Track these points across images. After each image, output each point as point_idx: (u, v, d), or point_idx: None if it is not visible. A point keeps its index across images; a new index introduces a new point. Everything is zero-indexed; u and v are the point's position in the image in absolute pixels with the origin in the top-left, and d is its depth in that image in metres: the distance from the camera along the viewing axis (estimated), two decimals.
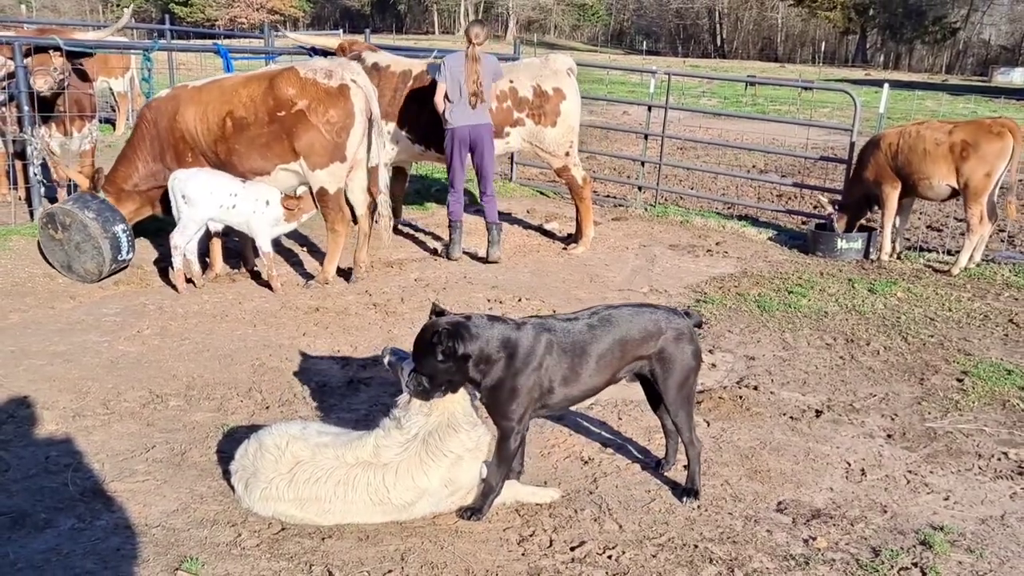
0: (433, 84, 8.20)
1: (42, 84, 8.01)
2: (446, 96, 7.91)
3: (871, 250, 9.02)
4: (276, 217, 7.10)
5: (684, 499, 4.26)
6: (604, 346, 4.00)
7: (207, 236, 7.36)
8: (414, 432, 3.89)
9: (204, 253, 7.51)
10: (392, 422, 3.98)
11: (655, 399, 4.34)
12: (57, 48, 8.07)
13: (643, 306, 4.32)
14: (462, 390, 3.95)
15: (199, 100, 7.14)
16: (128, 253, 7.19)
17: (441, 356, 3.72)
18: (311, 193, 7.20)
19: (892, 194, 8.76)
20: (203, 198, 6.83)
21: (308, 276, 7.64)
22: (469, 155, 8.17)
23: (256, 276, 7.55)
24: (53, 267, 7.22)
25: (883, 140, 8.80)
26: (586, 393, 4.13)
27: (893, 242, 9.11)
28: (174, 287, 7.06)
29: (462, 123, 7.97)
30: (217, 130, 7.06)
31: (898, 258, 9.03)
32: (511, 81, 8.57)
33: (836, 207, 9.38)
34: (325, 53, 9.03)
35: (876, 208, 9.09)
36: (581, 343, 3.97)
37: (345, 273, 7.68)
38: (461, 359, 3.75)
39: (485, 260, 8.32)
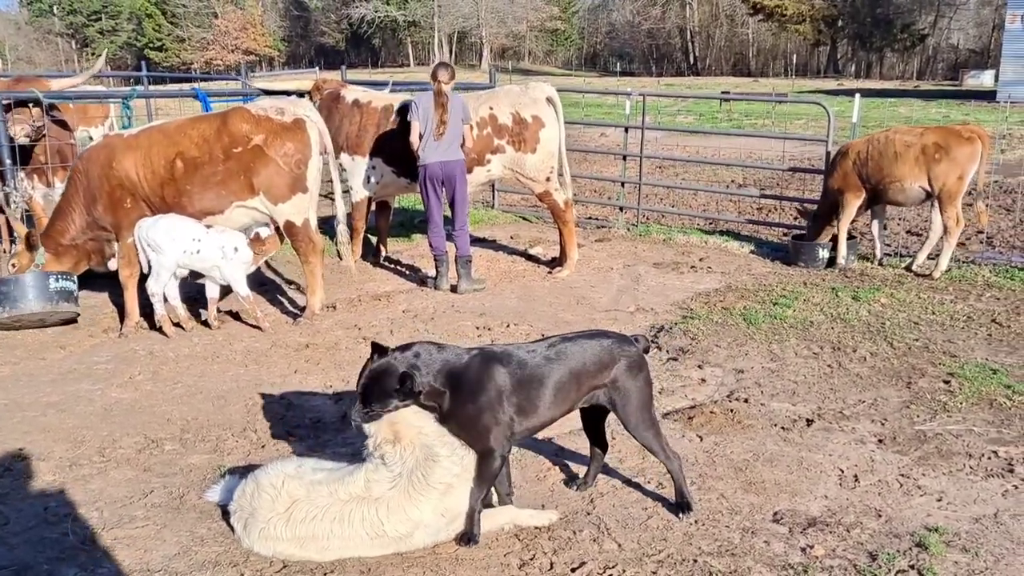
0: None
1: (19, 131, 8.06)
2: (420, 135, 8.03)
3: (837, 258, 9.13)
4: (246, 261, 7.11)
5: (680, 515, 4.29)
6: (561, 377, 4.04)
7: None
8: (398, 470, 3.91)
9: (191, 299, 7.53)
10: (377, 459, 4.00)
11: (590, 422, 4.46)
12: (36, 101, 8.12)
13: (595, 334, 4.31)
14: (427, 416, 3.99)
15: (137, 146, 7.11)
16: (74, 283, 7.22)
17: (392, 406, 3.89)
18: (276, 230, 7.25)
19: (853, 202, 8.93)
20: (167, 244, 6.83)
21: (295, 314, 7.67)
22: (443, 190, 8.25)
23: (239, 316, 7.56)
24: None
25: (851, 149, 8.98)
26: (545, 424, 4.15)
27: (873, 248, 9.29)
28: (163, 332, 7.08)
29: (433, 160, 8.06)
30: (164, 172, 7.03)
31: (879, 264, 9.16)
32: (491, 108, 8.68)
33: (810, 218, 9.54)
34: (270, 93, 9.06)
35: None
36: (539, 376, 4.00)
37: (331, 306, 7.76)
38: (406, 404, 3.91)
39: (455, 291, 8.39)
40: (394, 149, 8.68)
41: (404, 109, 8.52)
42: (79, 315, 7.25)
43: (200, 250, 6.91)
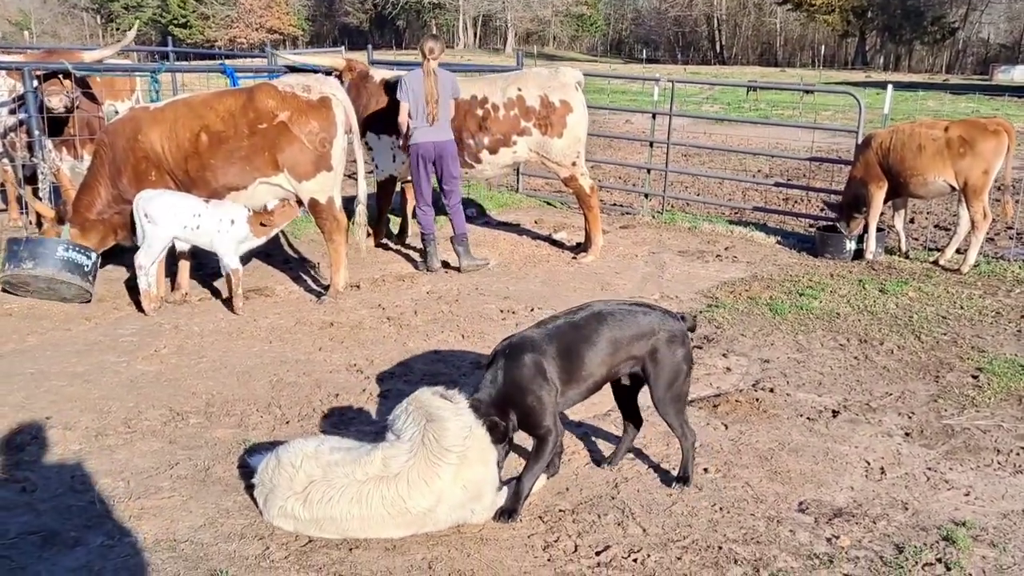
0: None
1: (57, 103, 8.08)
2: (409, 114, 8.03)
3: (864, 249, 9.07)
4: (242, 236, 6.98)
5: (675, 485, 4.42)
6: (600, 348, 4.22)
7: (173, 257, 7.31)
8: (409, 438, 3.91)
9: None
10: (393, 435, 4.01)
11: (626, 396, 4.60)
12: (66, 72, 8.15)
13: (637, 306, 4.46)
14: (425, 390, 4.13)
15: (162, 119, 7.09)
16: (88, 258, 7.09)
17: None
18: (291, 204, 7.18)
19: (877, 193, 8.82)
20: (166, 218, 6.78)
21: (319, 292, 7.67)
22: (434, 169, 8.26)
23: (263, 293, 7.57)
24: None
25: (874, 139, 8.89)
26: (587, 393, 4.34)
27: (898, 241, 9.22)
28: (141, 309, 7.01)
29: (424, 139, 8.07)
30: (189, 146, 7.02)
31: (906, 258, 9.08)
32: (519, 90, 8.63)
33: (836, 209, 9.46)
34: (294, 70, 8.95)
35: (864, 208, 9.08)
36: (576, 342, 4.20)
37: (355, 285, 7.76)
38: None
39: (459, 270, 8.41)
40: None
41: (391, 87, 8.50)
42: (91, 293, 7.16)
43: (200, 225, 6.86)
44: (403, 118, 8.06)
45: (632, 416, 4.66)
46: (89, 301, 7.20)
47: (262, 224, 7.03)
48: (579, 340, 4.16)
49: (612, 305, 4.39)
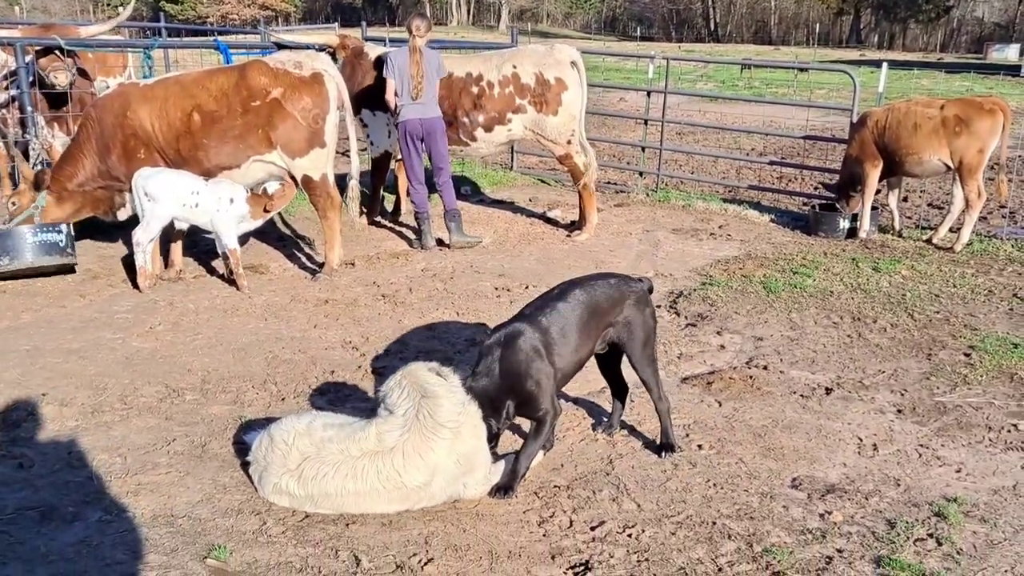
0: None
1: (64, 79, 8.03)
2: (396, 92, 8.04)
3: (857, 228, 9.09)
4: (240, 215, 6.97)
5: (663, 454, 4.52)
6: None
7: (167, 236, 7.27)
8: (403, 413, 3.91)
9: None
10: (386, 410, 4.01)
11: (608, 364, 4.70)
12: (59, 48, 8.08)
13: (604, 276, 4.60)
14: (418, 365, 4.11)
15: (153, 96, 7.04)
16: (59, 233, 7.07)
17: None
18: (289, 185, 7.16)
19: (872, 172, 8.84)
20: (166, 196, 6.75)
21: (313, 270, 7.66)
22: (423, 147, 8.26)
23: (257, 270, 7.56)
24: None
25: (870, 118, 8.88)
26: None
27: (892, 220, 9.25)
28: (136, 285, 7.01)
29: (411, 116, 8.08)
30: (181, 125, 6.98)
31: (899, 236, 9.11)
32: (514, 67, 8.60)
33: (834, 189, 9.48)
34: (281, 47, 8.89)
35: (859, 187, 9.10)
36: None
37: (349, 262, 7.75)
38: None
39: (449, 246, 8.44)
40: None
41: (380, 64, 8.47)
42: (74, 261, 7.20)
43: (199, 203, 6.83)
44: (390, 96, 8.08)
45: (619, 387, 4.78)
46: (74, 271, 7.22)
47: (265, 210, 7.07)
48: (568, 318, 4.21)
49: (582, 279, 4.47)
